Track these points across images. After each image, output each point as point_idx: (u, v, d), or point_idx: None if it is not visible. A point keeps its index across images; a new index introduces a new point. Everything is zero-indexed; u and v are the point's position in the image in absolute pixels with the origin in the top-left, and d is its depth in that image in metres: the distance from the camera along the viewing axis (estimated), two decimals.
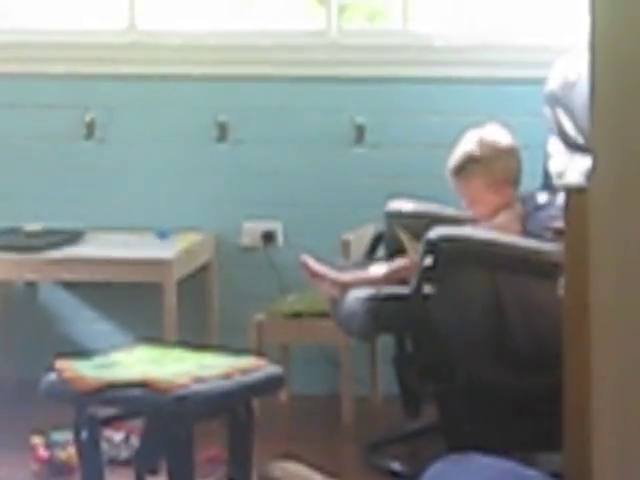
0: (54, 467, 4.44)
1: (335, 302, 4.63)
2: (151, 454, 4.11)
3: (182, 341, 4.69)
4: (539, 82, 4.83)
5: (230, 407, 4.19)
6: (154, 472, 4.08)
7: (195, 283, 5.21)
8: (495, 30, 5.63)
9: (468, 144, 4.65)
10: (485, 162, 4.60)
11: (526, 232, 4.51)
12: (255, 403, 4.27)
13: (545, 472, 3.84)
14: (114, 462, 4.27)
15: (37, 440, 4.49)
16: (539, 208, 4.62)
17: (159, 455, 4.10)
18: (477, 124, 4.67)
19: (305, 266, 4.68)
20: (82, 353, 4.47)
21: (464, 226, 4.54)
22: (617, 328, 3.19)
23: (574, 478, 3.68)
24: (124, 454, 4.35)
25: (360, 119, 5.25)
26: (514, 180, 4.67)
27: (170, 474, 4.03)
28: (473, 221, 4.60)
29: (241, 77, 5.35)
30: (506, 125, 4.66)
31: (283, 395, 4.74)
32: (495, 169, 4.61)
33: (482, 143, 4.63)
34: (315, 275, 4.68)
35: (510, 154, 4.65)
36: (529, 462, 3.97)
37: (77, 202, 5.39)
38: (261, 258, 5.32)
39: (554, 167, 4.78)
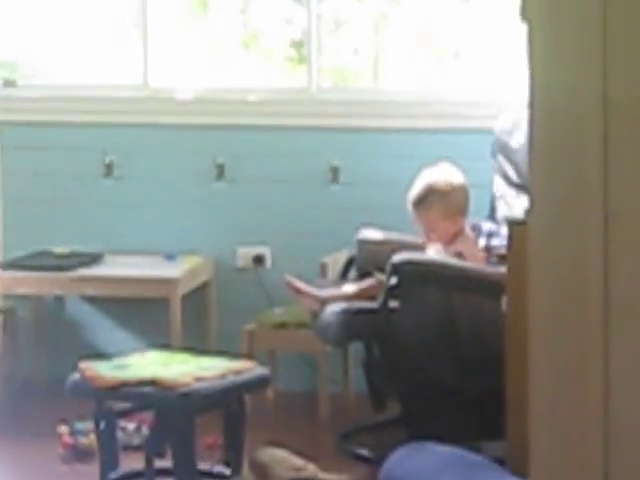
0: (77, 451, 4.45)
1: (314, 315, 4.63)
2: (159, 441, 4.11)
3: (185, 347, 4.71)
4: (485, 132, 4.86)
5: (225, 402, 4.21)
6: (161, 456, 4.08)
7: (197, 298, 5.20)
8: (449, 87, 5.64)
9: (428, 179, 4.64)
10: (442, 194, 4.59)
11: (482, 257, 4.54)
12: (246, 399, 4.26)
13: (489, 457, 3.86)
14: (128, 447, 4.28)
15: (63, 429, 4.51)
16: (486, 235, 4.65)
17: (166, 442, 4.10)
18: (432, 166, 4.68)
19: (289, 285, 4.67)
20: (101, 356, 4.48)
21: (423, 251, 4.53)
22: (550, 337, 3.19)
23: (514, 462, 3.68)
24: (136, 441, 4.35)
25: (335, 162, 5.25)
26: (464, 211, 4.67)
27: (175, 458, 4.07)
28: (422, 247, 4.59)
29: (236, 126, 5.35)
30: (457, 167, 4.66)
31: (270, 392, 4.73)
32: (450, 201, 4.61)
33: (440, 179, 4.63)
34: (298, 292, 4.67)
35: (462, 189, 4.65)
36: (476, 449, 3.99)
37: (97, 229, 5.37)
38: (252, 277, 5.30)
39: (498, 202, 4.79)
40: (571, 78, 3.26)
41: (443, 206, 4.61)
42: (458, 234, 4.61)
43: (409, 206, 4.64)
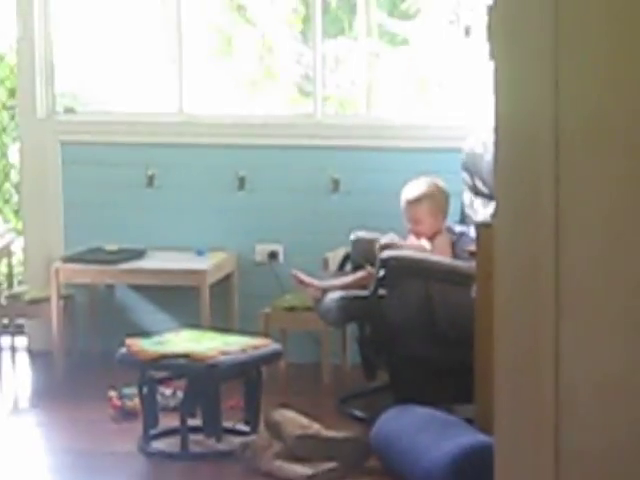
0: (124, 412, 4.44)
1: (317, 301, 4.63)
2: (191, 404, 4.11)
3: (213, 327, 4.72)
4: (456, 151, 4.85)
5: (245, 372, 4.22)
6: (193, 415, 4.10)
7: (222, 287, 5.18)
8: (428, 114, 5.62)
9: (422, 184, 4.66)
10: (431, 196, 4.61)
11: (454, 253, 4.53)
12: (262, 369, 4.28)
13: (461, 417, 3.92)
14: (165, 409, 4.27)
15: (112, 394, 4.50)
16: (458, 235, 4.64)
17: (196, 404, 4.11)
18: (415, 179, 4.70)
19: (295, 277, 4.67)
20: (144, 334, 4.50)
21: (406, 249, 4.53)
22: (511, 319, 3.19)
23: (481, 421, 3.69)
24: (172, 403, 4.34)
25: (336, 175, 5.23)
26: (446, 213, 4.68)
27: (204, 417, 4.10)
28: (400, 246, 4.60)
29: (254, 146, 5.34)
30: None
31: (282, 364, 4.70)
32: (436, 202, 4.63)
33: (430, 185, 4.64)
34: (302, 283, 4.68)
35: (446, 195, 4.67)
36: (450, 411, 4.03)
37: (141, 230, 5.36)
38: (268, 270, 5.29)
39: (467, 209, 4.79)
40: (529, 107, 3.26)
41: (430, 205, 4.62)
42: (437, 233, 4.61)
43: (403, 203, 4.65)
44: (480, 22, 4.36)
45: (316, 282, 4.68)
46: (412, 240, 4.64)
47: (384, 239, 4.66)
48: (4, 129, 5.92)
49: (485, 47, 3.43)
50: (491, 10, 3.23)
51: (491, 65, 3.30)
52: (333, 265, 4.90)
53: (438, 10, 5.69)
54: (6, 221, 6.07)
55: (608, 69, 3.24)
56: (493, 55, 3.28)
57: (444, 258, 4.47)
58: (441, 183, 4.71)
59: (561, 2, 3.16)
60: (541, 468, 3.28)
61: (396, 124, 5.44)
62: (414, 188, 4.66)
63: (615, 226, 3.26)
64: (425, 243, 4.60)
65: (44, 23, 5.40)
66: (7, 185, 6.05)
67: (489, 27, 3.32)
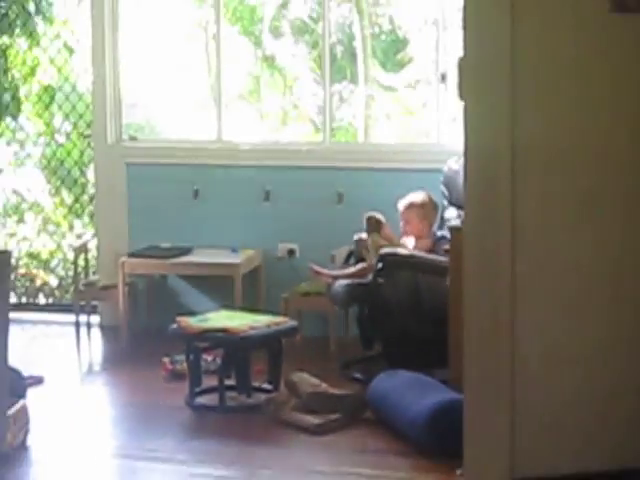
0: (174, 374, 4.44)
1: (328, 287, 4.63)
2: (227, 368, 4.11)
3: (244, 307, 4.70)
4: (438, 171, 4.84)
5: (269, 343, 4.20)
6: (228, 377, 4.09)
7: (251, 277, 5.16)
8: (415, 142, 5.65)
9: (418, 195, 4.64)
10: (423, 204, 4.60)
11: (436, 252, 4.45)
12: (283, 341, 4.26)
13: (438, 379, 3.90)
14: (207, 372, 4.24)
15: (166, 360, 4.50)
16: (439, 237, 4.58)
17: (231, 368, 4.12)
18: (404, 194, 4.68)
19: (312, 269, 4.70)
20: (191, 313, 4.47)
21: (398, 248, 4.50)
22: (476, 302, 3.19)
23: (454, 382, 3.67)
24: (212, 367, 4.31)
25: (340, 190, 5.21)
26: (432, 220, 4.67)
27: (237, 378, 4.11)
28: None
29: (277, 166, 5.32)
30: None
31: (298, 337, 4.68)
32: (426, 210, 4.61)
33: (424, 196, 4.63)
34: (317, 273, 4.70)
35: (435, 205, 4.66)
36: (430, 374, 3.98)
37: (188, 232, 5.34)
38: (287, 264, 5.28)
39: (447, 216, 4.77)
40: (490, 137, 3.27)
41: (420, 212, 4.60)
42: (422, 237, 4.58)
43: (401, 207, 4.63)
44: (453, 70, 4.36)
45: (327, 272, 4.69)
46: (404, 239, 4.62)
47: (407, 201, 4.63)
48: (82, 153, 5.91)
49: (456, 89, 3.46)
50: (461, 61, 3.28)
51: (461, 103, 3.34)
52: (339, 260, 4.88)
53: (423, 60, 5.69)
54: (84, 225, 6.07)
55: (552, 109, 3.27)
56: (462, 96, 3.32)
57: (427, 255, 4.44)
58: (434, 197, 4.68)
59: (516, 56, 3.19)
60: (500, 417, 3.27)
61: (387, 150, 5.43)
62: (411, 196, 4.64)
63: (560, 227, 3.29)
64: (409, 241, 4.58)
65: (113, 71, 5.40)
66: (85, 197, 6.05)
67: (460, 74, 3.36)
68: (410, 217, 4.61)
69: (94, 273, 5.58)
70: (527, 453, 3.26)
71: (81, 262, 5.45)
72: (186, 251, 5.21)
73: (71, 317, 5.35)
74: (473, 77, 3.20)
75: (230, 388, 4.11)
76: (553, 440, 3.27)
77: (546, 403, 3.28)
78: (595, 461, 3.30)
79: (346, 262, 4.79)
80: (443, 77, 5.11)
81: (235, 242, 5.23)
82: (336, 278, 4.58)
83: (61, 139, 6.03)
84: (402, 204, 4.65)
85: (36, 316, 5.71)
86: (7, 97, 5.74)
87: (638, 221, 3.29)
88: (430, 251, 4.48)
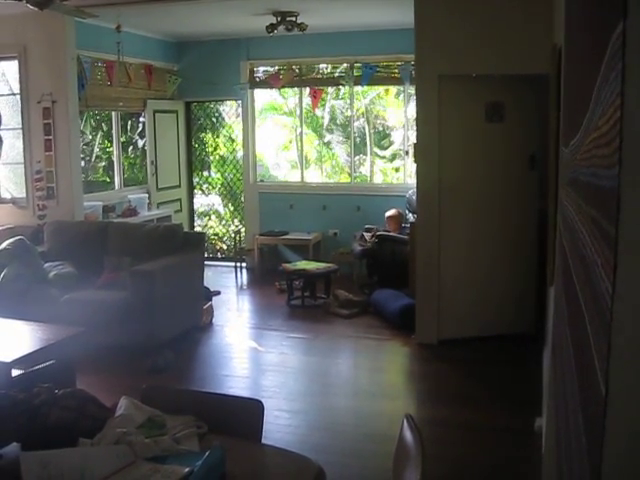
0: (281, 290, 4.29)
1: (352, 250, 4.50)
2: (306, 288, 4.04)
3: (314, 259, 4.56)
4: (403, 196, 4.63)
5: (325, 276, 4.12)
6: (306, 291, 4.00)
7: (317, 246, 4.93)
8: (392, 179, 5.36)
9: (394, 210, 4.46)
10: (397, 215, 4.44)
11: (402, 234, 4.25)
12: (331, 275, 4.15)
13: (404, 292, 3.79)
14: (296, 289, 4.12)
15: (277, 284, 4.39)
16: (404, 228, 4.37)
17: (307, 288, 4.04)
18: (388, 209, 4.54)
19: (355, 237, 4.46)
20: (288, 262, 4.40)
21: (388, 232, 4.35)
22: (421, 254, 3.15)
23: (411, 294, 3.56)
24: (299, 287, 4.14)
25: (358, 204, 5.01)
26: (401, 221, 4.49)
27: (310, 292, 4.03)
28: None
29: (329, 194, 5.09)
30: (397, 208, 4.57)
31: (337, 273, 4.36)
32: (399, 218, 4.46)
33: (397, 211, 4.48)
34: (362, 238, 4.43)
35: (403, 216, 4.46)
36: (400, 290, 3.87)
37: (288, 224, 5.12)
38: (333, 240, 5.05)
39: (408, 218, 4.54)
40: (429, 180, 3.34)
41: (396, 219, 4.49)
42: (397, 229, 4.43)
43: (386, 216, 4.50)
44: (412, 149, 4.28)
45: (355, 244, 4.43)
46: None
47: (389, 212, 4.39)
48: (239, 187, 5.81)
49: (412, 158, 3.51)
50: (415, 144, 3.35)
51: (414, 165, 3.39)
52: (357, 237, 4.69)
53: (398, 144, 5.48)
54: (239, 221, 5.89)
55: (455, 166, 3.28)
56: (416, 161, 3.40)
57: (399, 235, 4.29)
58: (401, 210, 4.55)
59: (440, 142, 3.26)
60: (432, 308, 3.32)
61: (380, 186, 5.23)
62: (391, 211, 4.52)
63: (461, 219, 3.31)
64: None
65: (251, 150, 5.27)
66: (240, 207, 5.95)
67: (414, 150, 3.43)
68: (391, 221, 4.51)
69: (242, 242, 5.48)
70: (445, 326, 3.34)
71: (237, 238, 5.39)
72: (286, 233, 5.09)
73: (232, 264, 5.27)
74: (420, 152, 3.29)
75: (307, 297, 4.11)
76: (459, 321, 3.33)
77: (455, 303, 3.37)
78: (482, 330, 3.32)
79: (360, 239, 4.63)
80: (407, 152, 4.98)
81: (308, 229, 5.13)
82: (356, 247, 4.27)
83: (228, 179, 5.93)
84: (387, 214, 4.52)
85: (216, 263, 5.66)
86: (208, 160, 5.82)
87: (501, 216, 3.32)
88: (400, 234, 4.36)
